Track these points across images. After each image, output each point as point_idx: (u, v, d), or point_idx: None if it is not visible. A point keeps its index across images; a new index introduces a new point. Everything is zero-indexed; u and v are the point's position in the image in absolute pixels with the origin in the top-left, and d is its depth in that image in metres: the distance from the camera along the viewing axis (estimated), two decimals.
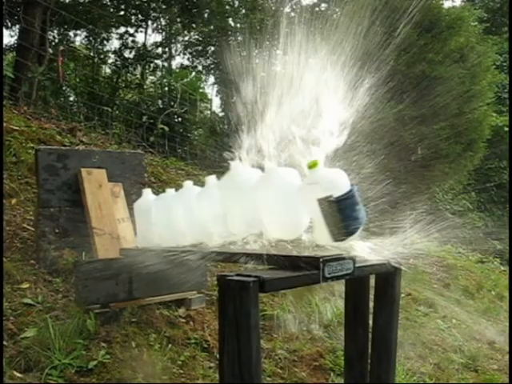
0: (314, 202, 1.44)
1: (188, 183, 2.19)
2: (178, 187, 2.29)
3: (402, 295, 3.77)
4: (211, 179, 1.98)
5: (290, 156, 1.56)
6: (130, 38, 11.87)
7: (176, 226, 2.11)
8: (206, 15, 10.50)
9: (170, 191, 2.34)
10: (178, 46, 12.45)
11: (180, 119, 9.47)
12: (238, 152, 1.66)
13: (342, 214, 1.41)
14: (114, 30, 11.64)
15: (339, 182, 1.45)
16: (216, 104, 11.86)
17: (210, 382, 2.18)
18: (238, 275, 1.27)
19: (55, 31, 10.66)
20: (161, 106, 9.56)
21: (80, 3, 10.31)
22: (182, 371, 2.21)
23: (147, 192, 2.48)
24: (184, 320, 2.62)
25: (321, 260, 1.39)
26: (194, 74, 11.95)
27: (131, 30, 11.81)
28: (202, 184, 2.08)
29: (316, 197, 1.43)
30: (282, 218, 1.61)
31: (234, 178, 1.75)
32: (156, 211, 2.28)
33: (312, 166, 1.47)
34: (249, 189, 1.67)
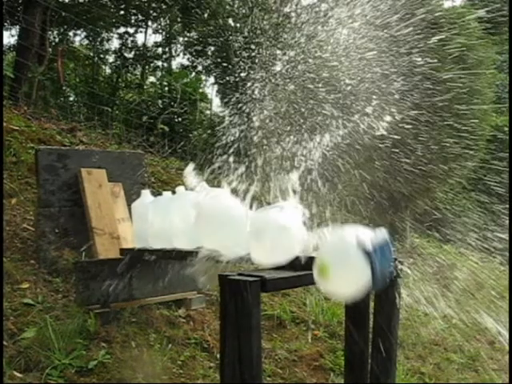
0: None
1: (180, 188, 2.20)
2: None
3: (402, 295, 3.76)
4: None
5: None
6: (130, 38, 11.86)
7: (172, 228, 2.11)
8: (205, 15, 10.48)
9: (167, 194, 2.33)
10: (178, 46, 12.42)
11: (180, 119, 9.46)
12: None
13: (382, 281, 1.34)
14: (114, 29, 11.61)
15: (362, 272, 1.29)
16: (216, 104, 11.82)
17: (210, 381, 2.18)
18: (239, 275, 1.26)
19: (55, 31, 10.64)
20: (161, 106, 9.54)
21: (80, 3, 10.27)
22: (181, 371, 2.20)
23: (145, 193, 2.46)
24: (184, 320, 2.62)
25: None
26: (194, 74, 11.92)
27: (131, 30, 11.79)
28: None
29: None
30: (271, 251, 1.55)
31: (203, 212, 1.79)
32: (152, 213, 2.28)
33: (324, 275, 1.30)
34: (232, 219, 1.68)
